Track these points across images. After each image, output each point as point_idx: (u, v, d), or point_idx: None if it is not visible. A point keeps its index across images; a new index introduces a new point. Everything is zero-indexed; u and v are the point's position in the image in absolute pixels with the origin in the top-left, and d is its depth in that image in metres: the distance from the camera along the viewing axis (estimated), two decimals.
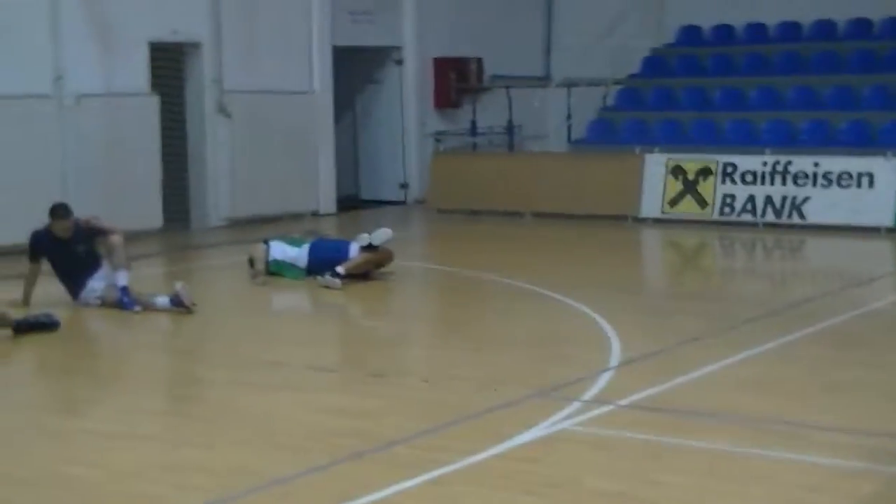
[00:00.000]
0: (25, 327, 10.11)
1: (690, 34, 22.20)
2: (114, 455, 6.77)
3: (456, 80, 21.47)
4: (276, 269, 12.81)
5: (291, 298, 12.40)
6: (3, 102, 14.95)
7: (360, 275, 12.53)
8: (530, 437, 7.01)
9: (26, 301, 11.38)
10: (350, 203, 20.47)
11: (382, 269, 12.85)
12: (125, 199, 15.88)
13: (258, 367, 8.96)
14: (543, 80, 22.69)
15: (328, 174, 19.36)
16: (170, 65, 17.46)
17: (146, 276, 12.50)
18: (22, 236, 12.04)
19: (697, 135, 19.29)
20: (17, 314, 10.34)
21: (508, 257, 14.73)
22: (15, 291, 11.45)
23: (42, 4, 15.50)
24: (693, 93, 20.61)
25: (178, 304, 11.00)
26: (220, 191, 17.87)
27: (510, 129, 21.51)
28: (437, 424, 7.28)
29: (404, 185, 21.08)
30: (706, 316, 10.77)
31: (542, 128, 21.63)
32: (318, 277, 12.39)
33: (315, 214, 18.85)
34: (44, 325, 10.23)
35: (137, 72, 16.71)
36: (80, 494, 6.09)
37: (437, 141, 21.10)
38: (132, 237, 11.81)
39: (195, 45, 17.58)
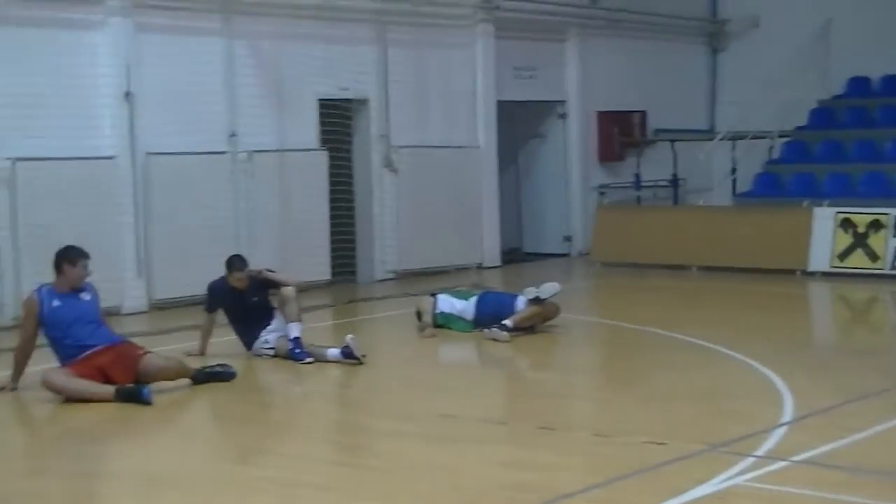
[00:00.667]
0: (203, 377, 10.42)
1: (859, 85, 21.88)
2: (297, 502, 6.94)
3: (619, 134, 21.52)
4: (444, 322, 12.96)
5: (459, 350, 12.52)
6: (183, 159, 15.49)
7: (526, 328, 12.61)
8: (704, 491, 6.98)
9: (202, 351, 11.71)
10: (514, 256, 20.60)
11: (548, 323, 12.91)
12: (295, 251, 16.24)
13: (429, 419, 9.08)
14: (708, 133, 22.57)
15: (492, 227, 19.51)
16: (338, 121, 17.83)
17: (316, 328, 12.74)
18: (199, 288, 12.44)
19: (867, 187, 19.00)
20: (194, 364, 10.66)
21: (675, 311, 14.66)
22: (192, 342, 11.82)
23: (218, 68, 16.01)
24: (862, 144, 20.31)
25: (348, 355, 11.20)
26: (387, 244, 18.15)
27: (674, 182, 21.45)
28: (609, 478, 7.29)
29: (568, 238, 21.13)
30: (879, 371, 10.58)
31: (707, 181, 21.48)
32: (485, 330, 12.52)
33: (479, 267, 18.99)
34: (220, 376, 10.52)
35: (307, 128, 17.13)
36: None
37: (601, 194, 21.14)
38: (301, 289, 12.06)
39: (363, 102, 17.94)
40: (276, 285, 11.81)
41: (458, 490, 7.19)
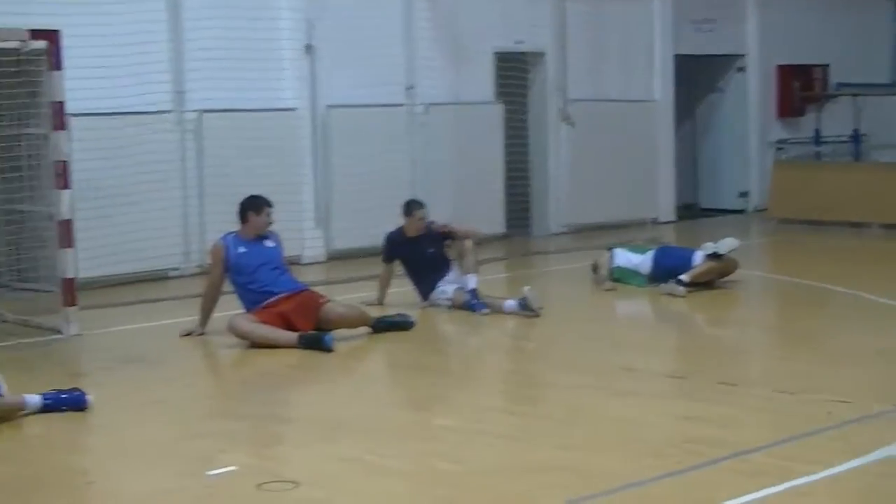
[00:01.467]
0: (382, 326, 10.57)
1: None
2: (474, 452, 7.01)
3: (799, 89, 21.05)
4: (619, 276, 12.91)
5: (634, 305, 12.47)
6: (361, 111, 15.69)
7: (702, 283, 12.50)
8: (888, 452, 6.85)
9: (380, 301, 11.88)
10: (689, 211, 20.39)
11: (725, 279, 12.77)
12: (470, 204, 16.31)
13: (608, 372, 9.08)
14: (892, 88, 21.94)
15: (668, 182, 19.34)
16: (514, 74, 17.83)
17: (491, 281, 12.81)
18: (375, 239, 12.65)
19: None
20: (373, 313, 10.83)
21: (855, 269, 14.35)
22: (370, 292, 12.01)
23: (396, 21, 16.14)
24: None
25: (525, 307, 11.24)
26: (561, 198, 18.13)
27: (856, 138, 20.92)
28: (791, 435, 7.21)
29: (744, 194, 20.80)
30: None
31: (892, 137, 20.91)
32: (661, 285, 12.44)
33: (654, 222, 18.84)
34: (399, 325, 10.66)
35: (483, 81, 17.17)
36: (449, 487, 6.34)
37: (779, 150, 20.74)
38: (478, 242, 12.14)
39: (539, 55, 17.90)
40: (456, 236, 11.90)
41: (640, 442, 7.18)
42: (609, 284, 12.79)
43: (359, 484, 6.36)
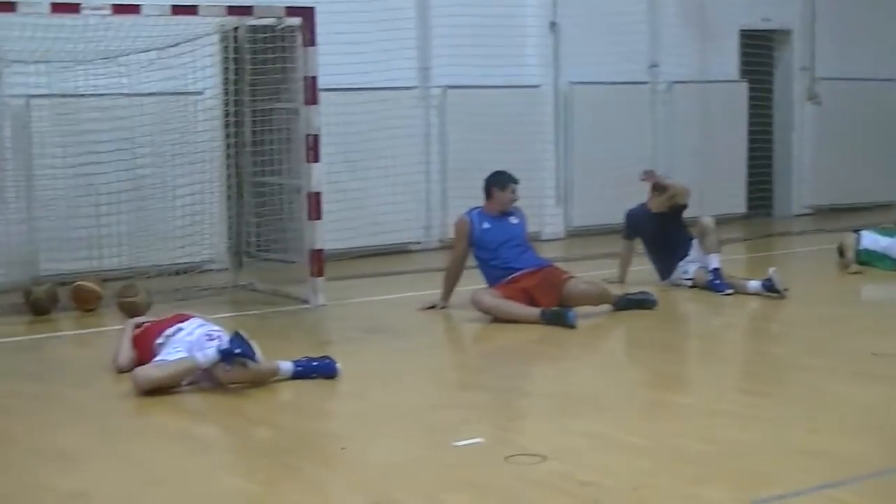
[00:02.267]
0: (625, 304, 10.53)
1: None
2: (720, 432, 6.92)
3: None
4: (866, 259, 12.56)
5: (882, 289, 12.10)
6: (604, 89, 15.66)
7: None
8: None
9: (621, 279, 11.84)
10: None
11: None
12: (712, 183, 16.10)
13: (855, 356, 8.82)
14: None
15: None
16: (760, 52, 17.49)
17: (731, 261, 12.60)
18: (614, 217, 12.62)
19: None
20: (615, 291, 10.79)
21: None
22: (609, 270, 11.98)
23: None
24: None
25: (770, 288, 11.03)
26: (805, 178, 17.73)
27: None
28: None
29: None
30: None
31: None
32: None
33: None
34: (642, 303, 10.60)
35: (728, 59, 16.92)
36: (696, 465, 6.28)
37: None
38: (717, 221, 11.97)
39: (786, 33, 17.53)
40: (665, 190, 11.72)
41: (889, 426, 6.98)
42: (856, 267, 12.45)
43: (605, 460, 6.35)
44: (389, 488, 5.95)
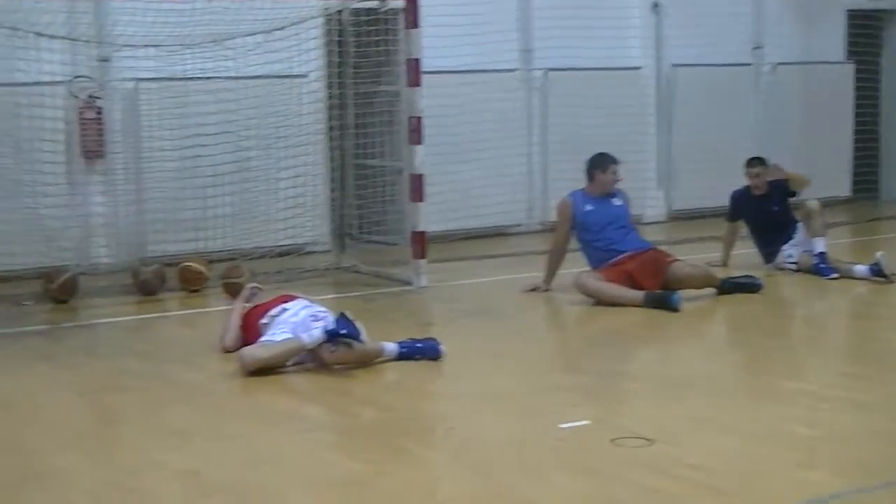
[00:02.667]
0: (729, 287, 10.44)
1: None
2: (831, 417, 6.85)
3: None
4: None
5: None
6: (707, 71, 15.54)
7: None
8: None
9: (725, 262, 11.74)
10: None
11: None
12: (816, 166, 15.82)
13: None
14: None
15: None
16: (867, 32, 17.20)
17: (837, 245, 12.43)
18: (717, 200, 12.52)
19: None
20: (719, 274, 10.70)
21: None
22: (711, 253, 11.89)
23: None
24: None
25: (877, 273, 10.88)
26: None
27: None
28: None
29: None
30: None
31: None
32: None
33: None
34: (747, 287, 10.51)
35: (834, 40, 16.68)
36: (806, 451, 6.23)
37: None
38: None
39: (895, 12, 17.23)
40: (787, 181, 11.62)
41: None
42: None
43: (713, 443, 6.32)
44: (497, 469, 5.97)
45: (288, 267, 11.95)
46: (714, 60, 15.57)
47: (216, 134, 12.33)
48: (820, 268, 11.18)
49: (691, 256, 11.55)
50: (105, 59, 12.38)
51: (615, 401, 7.57)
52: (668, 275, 10.21)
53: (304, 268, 12.06)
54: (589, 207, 10.52)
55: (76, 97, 12.24)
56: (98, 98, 12.35)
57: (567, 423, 6.67)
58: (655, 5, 15.17)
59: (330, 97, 12.75)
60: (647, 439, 6.28)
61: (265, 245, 12.41)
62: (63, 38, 11.60)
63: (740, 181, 11.88)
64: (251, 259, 11.79)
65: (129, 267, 11.67)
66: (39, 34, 11.16)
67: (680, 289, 10.07)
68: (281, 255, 12.35)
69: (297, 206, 12.67)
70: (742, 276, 10.68)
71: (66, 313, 10.70)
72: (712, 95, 15.56)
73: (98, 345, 9.37)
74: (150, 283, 11.24)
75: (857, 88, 16.94)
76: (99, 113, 12.38)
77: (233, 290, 9.84)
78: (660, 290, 10.04)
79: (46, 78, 11.63)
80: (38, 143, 11.73)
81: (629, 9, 15.22)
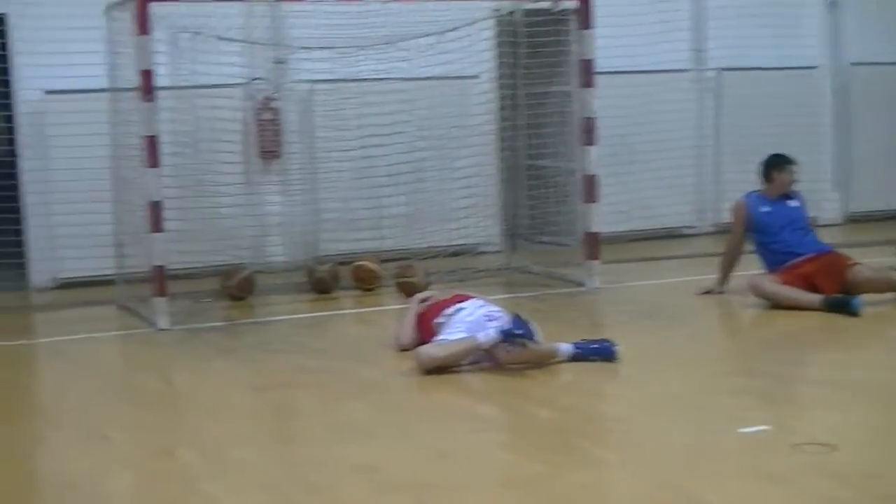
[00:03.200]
0: None
1: None
2: None
3: None
4: None
5: None
6: (889, 70, 15.15)
7: None
8: None
9: None
10: None
11: None
12: None
13: None
14: None
15: None
16: None
17: None
18: None
19: None
20: None
21: None
22: (889, 258, 11.60)
23: None
24: None
25: None
26: None
27: None
28: None
29: None
30: None
31: None
32: None
33: None
34: None
35: None
36: None
37: None
38: None
39: None
40: None
41: None
42: None
43: (893, 453, 6.17)
44: (673, 473, 5.91)
45: (460, 267, 12.03)
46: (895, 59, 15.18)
47: (390, 135, 12.47)
48: None
49: (871, 260, 11.28)
50: (281, 62, 12.62)
51: (793, 406, 7.44)
52: (849, 278, 9.97)
53: (476, 268, 12.13)
54: (766, 209, 10.35)
55: (254, 99, 12.51)
56: (274, 100, 12.61)
57: (746, 427, 6.57)
58: (832, 2, 14.85)
59: (502, 98, 12.80)
60: (829, 445, 6.15)
61: (438, 245, 12.51)
62: (241, 41, 11.86)
63: None
64: (424, 258, 11.89)
65: (304, 265, 11.88)
66: (219, 38, 11.42)
67: (861, 293, 9.83)
68: (453, 254, 12.43)
69: (470, 206, 12.74)
70: None
71: (243, 310, 10.95)
72: (893, 95, 15.16)
73: (274, 341, 9.54)
74: (324, 281, 11.42)
75: None
76: (276, 114, 12.64)
77: (407, 289, 9.94)
78: (839, 293, 9.81)
79: (225, 80, 11.88)
80: (217, 143, 12.00)
81: (805, 6, 14.93)
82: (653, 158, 14.12)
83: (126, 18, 10.21)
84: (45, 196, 12.25)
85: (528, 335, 7.94)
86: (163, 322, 9.99)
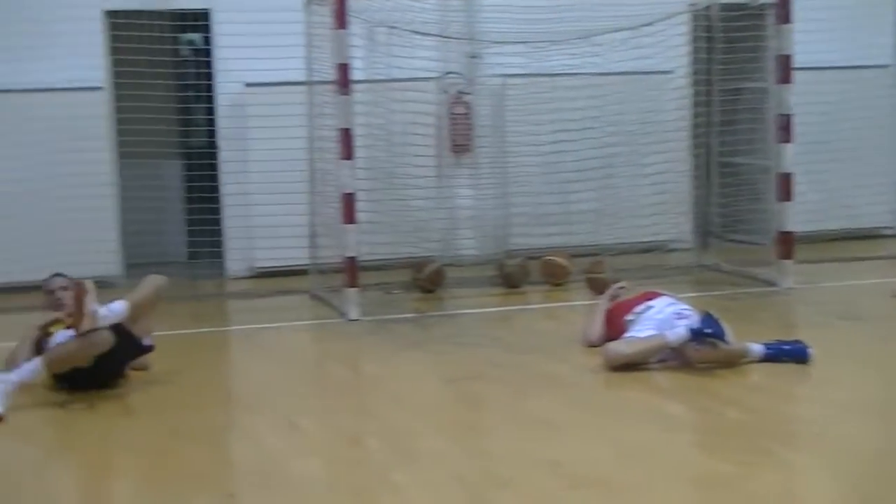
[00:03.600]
0: None
1: None
2: None
3: None
4: None
5: None
6: None
7: None
8: None
9: None
10: None
11: None
12: None
13: None
14: None
15: None
16: None
17: None
18: None
19: None
20: None
21: None
22: None
23: None
24: None
25: None
26: None
27: None
28: None
29: None
30: None
31: None
32: None
33: None
34: None
35: None
36: None
37: None
38: None
39: None
40: None
41: None
42: None
43: None
44: (865, 480, 5.77)
45: (650, 264, 11.93)
46: None
47: (580, 130, 12.43)
48: None
49: None
50: (475, 56, 12.71)
51: None
52: None
53: (666, 265, 12.02)
54: None
55: (446, 93, 12.62)
56: (467, 94, 12.70)
57: None
58: None
59: (695, 94, 12.64)
60: None
61: (627, 241, 12.43)
62: (436, 35, 11.96)
63: None
64: (613, 255, 11.83)
65: (494, 259, 11.94)
66: (414, 32, 11.54)
67: None
68: (643, 251, 12.34)
69: (661, 202, 12.62)
70: None
71: (433, 302, 11.06)
72: None
73: (463, 334, 9.61)
74: (514, 275, 11.46)
75: None
76: (468, 108, 12.72)
77: (596, 285, 9.90)
78: None
79: (419, 74, 12.00)
80: (409, 136, 12.14)
81: None
82: (850, 157, 13.79)
83: (324, 13, 10.40)
84: (242, 186, 12.56)
85: (719, 334, 7.83)
86: (353, 312, 10.15)
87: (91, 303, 7.50)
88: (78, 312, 7.47)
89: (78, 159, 12.05)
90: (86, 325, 7.45)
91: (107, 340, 7.52)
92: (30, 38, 11.94)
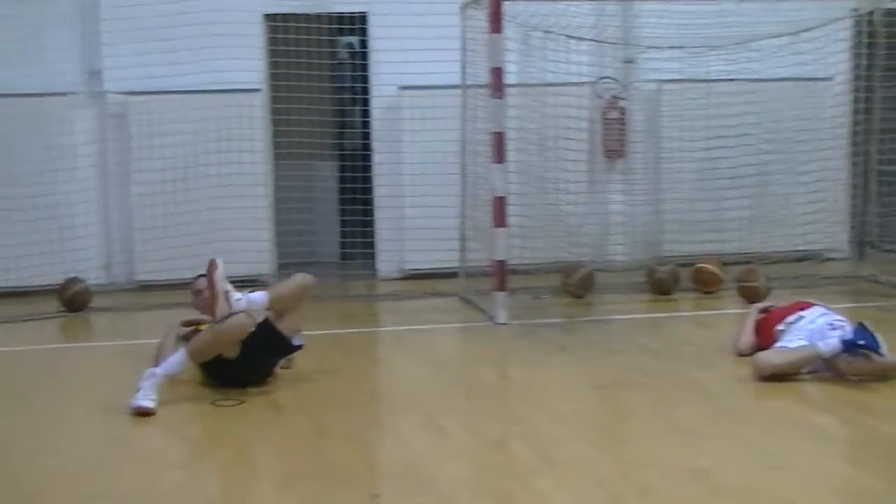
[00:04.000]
0: None
1: None
2: None
3: None
4: None
5: None
6: None
7: None
8: None
9: None
10: None
11: None
12: None
13: None
14: None
15: None
16: None
17: None
18: None
19: None
20: None
21: None
22: None
23: None
24: None
25: None
26: None
27: None
28: None
29: None
30: None
31: None
32: None
33: None
34: None
35: None
36: None
37: None
38: None
39: None
40: None
41: None
42: None
43: None
44: None
45: (804, 273, 11.73)
46: None
47: (736, 136, 12.28)
48: None
49: None
50: (630, 61, 12.64)
51: None
52: None
53: (821, 274, 11.79)
54: None
55: (601, 98, 12.57)
56: (621, 99, 12.63)
57: None
58: None
59: (855, 100, 12.38)
60: None
61: (781, 250, 12.23)
62: (591, 40, 11.93)
63: None
64: (767, 263, 11.65)
65: (645, 265, 11.85)
66: (569, 37, 11.53)
67: None
68: (797, 260, 12.13)
69: (817, 211, 12.40)
70: None
71: (582, 308, 11.02)
72: None
73: (611, 340, 9.56)
74: (664, 282, 11.37)
75: None
76: (622, 113, 12.66)
77: (748, 294, 9.77)
78: None
79: (574, 79, 11.98)
80: (562, 141, 12.12)
81: None
82: None
83: (480, 17, 10.45)
84: (395, 188, 12.68)
85: (872, 346, 7.65)
86: (502, 316, 10.17)
87: (221, 280, 7.57)
88: (211, 288, 7.57)
89: (235, 159, 12.31)
90: (220, 306, 7.53)
91: (244, 325, 7.59)
92: (191, 41, 12.22)
